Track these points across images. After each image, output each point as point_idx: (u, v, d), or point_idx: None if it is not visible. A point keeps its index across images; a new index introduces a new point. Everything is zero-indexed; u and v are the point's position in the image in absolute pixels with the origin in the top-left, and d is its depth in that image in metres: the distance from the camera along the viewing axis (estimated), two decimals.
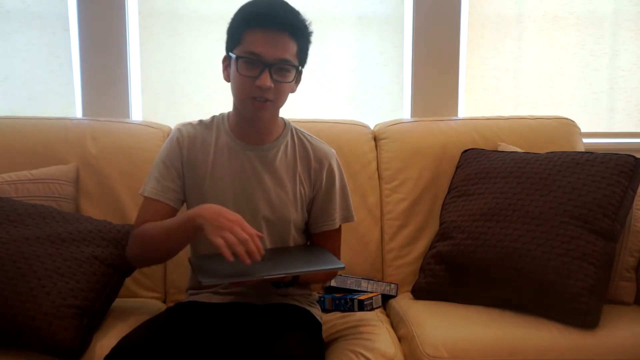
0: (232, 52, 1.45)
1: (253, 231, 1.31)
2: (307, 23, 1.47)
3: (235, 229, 1.28)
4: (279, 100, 1.47)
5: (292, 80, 1.47)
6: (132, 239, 1.52)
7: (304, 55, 1.49)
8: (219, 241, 1.27)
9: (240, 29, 1.44)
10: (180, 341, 1.38)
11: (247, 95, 1.44)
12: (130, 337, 1.37)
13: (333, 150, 1.62)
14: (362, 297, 1.82)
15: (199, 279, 1.31)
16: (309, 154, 1.58)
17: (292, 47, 1.44)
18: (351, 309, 1.80)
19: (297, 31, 1.44)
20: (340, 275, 1.89)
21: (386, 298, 1.91)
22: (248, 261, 1.27)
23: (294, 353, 1.32)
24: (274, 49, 1.41)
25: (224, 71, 1.51)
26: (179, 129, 1.57)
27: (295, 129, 1.61)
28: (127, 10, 2.25)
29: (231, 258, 1.26)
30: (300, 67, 1.48)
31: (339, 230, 1.63)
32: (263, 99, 1.43)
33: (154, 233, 1.44)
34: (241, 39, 1.43)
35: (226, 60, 1.50)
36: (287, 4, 1.46)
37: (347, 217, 1.63)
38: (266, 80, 1.41)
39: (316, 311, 1.62)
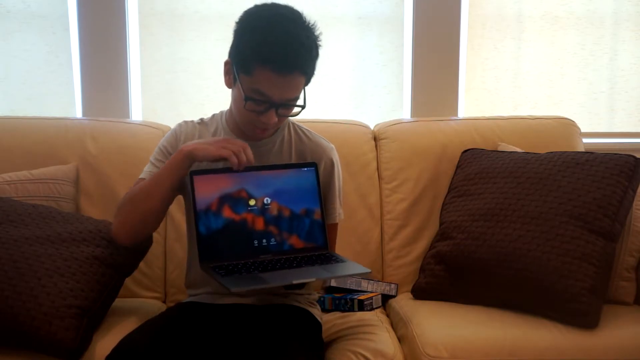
0: (238, 75, 1.41)
1: (240, 142, 1.40)
2: (317, 41, 1.41)
3: (230, 141, 1.39)
4: (281, 124, 1.51)
5: (298, 113, 1.46)
6: (117, 209, 1.50)
7: (312, 77, 1.45)
8: (226, 152, 1.36)
9: (250, 60, 1.37)
10: (180, 342, 1.38)
11: (250, 124, 1.46)
12: (130, 337, 1.36)
13: (332, 145, 1.61)
14: (362, 297, 1.82)
15: (227, 286, 1.28)
16: (305, 150, 1.57)
17: (301, 83, 1.41)
18: (351, 309, 1.80)
19: (309, 67, 1.41)
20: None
21: (386, 298, 1.92)
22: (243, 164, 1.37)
23: (294, 355, 1.32)
24: (283, 92, 1.39)
25: (225, 75, 1.47)
26: (179, 124, 1.60)
27: (294, 124, 1.60)
28: (127, 10, 2.25)
29: (237, 165, 1.36)
30: (304, 104, 1.45)
31: (336, 225, 1.62)
32: (265, 128, 1.46)
33: (142, 185, 1.45)
34: (250, 70, 1.37)
35: (228, 65, 1.46)
36: (301, 38, 1.37)
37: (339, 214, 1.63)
38: (272, 118, 1.41)
39: (316, 311, 1.62)
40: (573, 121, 2.19)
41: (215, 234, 1.40)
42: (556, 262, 1.62)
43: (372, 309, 1.82)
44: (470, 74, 2.42)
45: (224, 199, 1.41)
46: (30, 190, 1.80)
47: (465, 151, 2.03)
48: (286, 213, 1.45)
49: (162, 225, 1.74)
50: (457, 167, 2.01)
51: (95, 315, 1.50)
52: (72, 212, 1.80)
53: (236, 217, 1.41)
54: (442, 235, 1.87)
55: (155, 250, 1.85)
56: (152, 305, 1.84)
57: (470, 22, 2.39)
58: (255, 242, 1.42)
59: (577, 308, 1.57)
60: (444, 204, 1.96)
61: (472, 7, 2.38)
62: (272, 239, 1.43)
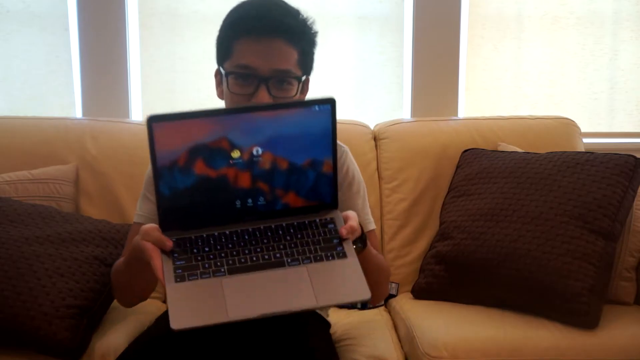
0: (222, 66, 1.28)
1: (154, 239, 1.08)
2: (308, 22, 1.27)
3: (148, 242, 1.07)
4: None
5: (296, 94, 1.26)
6: (111, 281, 1.35)
7: (309, 61, 1.29)
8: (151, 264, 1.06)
9: (228, 40, 1.25)
10: (184, 348, 1.35)
11: None
12: (127, 353, 1.30)
13: (345, 146, 1.43)
14: None
15: (171, 323, 0.99)
16: None
17: (292, 55, 1.23)
18: (353, 307, 1.80)
19: (296, 35, 1.23)
20: None
21: (387, 298, 1.92)
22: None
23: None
24: (268, 59, 1.21)
25: (217, 87, 1.35)
26: None
27: None
28: (127, 10, 2.25)
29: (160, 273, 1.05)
30: (303, 76, 1.27)
31: (373, 232, 1.39)
32: None
33: (120, 267, 1.26)
34: (230, 52, 1.24)
35: (218, 76, 1.34)
36: (280, 4, 1.25)
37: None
38: (263, 97, 1.21)
39: (325, 311, 1.55)
40: (573, 121, 2.19)
41: (181, 196, 1.10)
42: (556, 262, 1.62)
43: (373, 307, 1.82)
44: (470, 74, 2.42)
45: (197, 151, 1.09)
46: (30, 190, 1.80)
47: (465, 151, 2.03)
48: (283, 165, 1.12)
49: None
50: (457, 167, 2.01)
51: (94, 315, 1.50)
52: (72, 212, 1.80)
53: (212, 174, 1.10)
54: (442, 235, 1.87)
55: None
56: (152, 305, 1.83)
57: (470, 22, 2.39)
58: (238, 202, 1.12)
59: (577, 308, 1.57)
60: (444, 204, 1.96)
61: (472, 7, 2.38)
62: (261, 198, 1.13)
